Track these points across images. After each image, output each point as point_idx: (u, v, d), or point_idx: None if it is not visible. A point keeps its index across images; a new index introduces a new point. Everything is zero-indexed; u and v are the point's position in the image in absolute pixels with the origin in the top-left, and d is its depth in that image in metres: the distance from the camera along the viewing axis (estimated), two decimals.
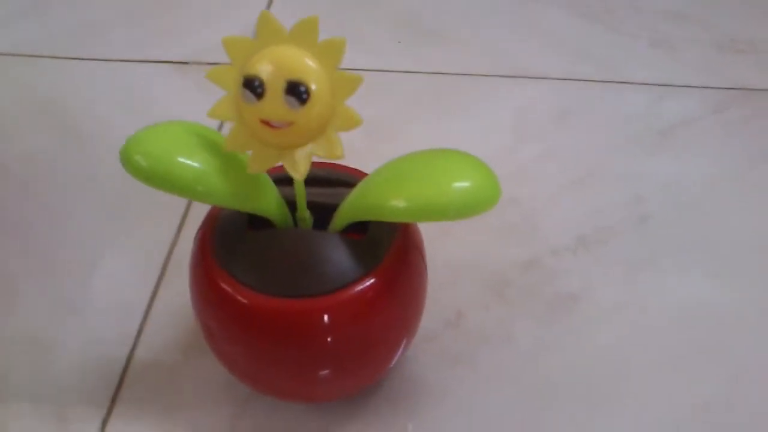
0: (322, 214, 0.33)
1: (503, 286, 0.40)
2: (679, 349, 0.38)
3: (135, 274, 0.42)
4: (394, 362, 0.34)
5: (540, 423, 0.35)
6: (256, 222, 0.33)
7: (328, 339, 0.31)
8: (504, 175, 0.30)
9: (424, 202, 0.29)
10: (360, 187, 0.32)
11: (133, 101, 0.51)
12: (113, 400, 0.37)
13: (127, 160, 0.29)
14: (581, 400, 0.36)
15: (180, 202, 0.45)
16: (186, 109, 0.51)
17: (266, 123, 0.28)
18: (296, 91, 0.27)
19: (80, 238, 0.44)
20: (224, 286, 0.31)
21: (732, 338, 0.38)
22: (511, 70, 0.52)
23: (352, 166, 0.34)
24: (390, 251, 0.32)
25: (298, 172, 0.29)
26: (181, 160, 0.29)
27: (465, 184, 0.29)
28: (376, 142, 0.43)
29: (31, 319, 0.40)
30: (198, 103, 0.50)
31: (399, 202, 0.29)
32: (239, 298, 0.31)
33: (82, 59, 0.54)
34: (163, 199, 0.45)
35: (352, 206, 0.31)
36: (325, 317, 0.31)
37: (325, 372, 0.33)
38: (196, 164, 0.30)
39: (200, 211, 0.44)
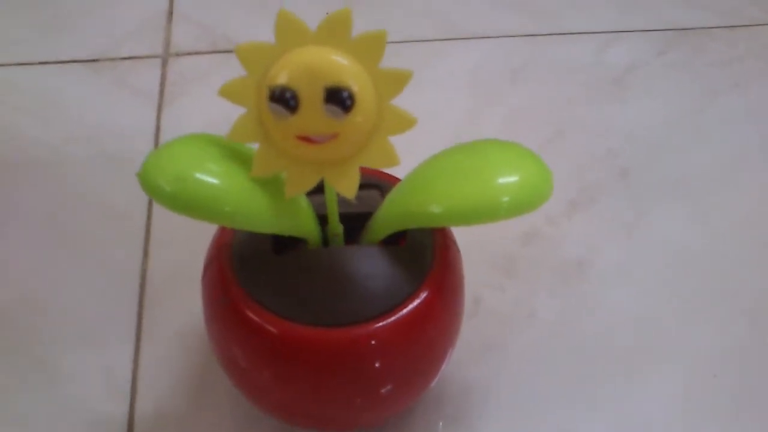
0: (349, 225, 0.29)
1: (511, 263, 0.39)
2: (692, 296, 0.38)
3: (108, 317, 0.36)
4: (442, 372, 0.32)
5: (582, 395, 0.35)
6: (277, 244, 0.29)
7: (379, 364, 0.29)
8: None
9: (473, 205, 0.26)
10: (396, 192, 0.28)
11: (47, 108, 0.45)
12: None
13: (148, 185, 0.25)
14: (616, 363, 0.36)
15: (134, 223, 0.40)
16: (108, 111, 0.45)
17: (305, 138, 0.25)
18: (338, 98, 0.24)
19: (28, 281, 0.38)
20: (262, 321, 0.28)
21: (733, 277, 0.39)
22: (452, 32, 0.49)
23: None
24: (435, 256, 0.29)
25: (350, 188, 0.26)
26: (211, 180, 0.25)
27: (513, 178, 0.27)
28: None
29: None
30: (120, 103, 0.45)
31: (444, 207, 0.27)
32: (282, 334, 0.28)
33: None
34: (108, 220, 0.40)
35: (391, 215, 0.28)
36: (379, 343, 0.28)
37: (374, 398, 0.30)
38: (226, 185, 0.26)
39: (162, 233, 0.40)
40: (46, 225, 0.40)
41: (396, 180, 0.31)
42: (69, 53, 0.47)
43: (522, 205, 0.27)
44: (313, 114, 0.24)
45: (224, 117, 0.44)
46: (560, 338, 0.36)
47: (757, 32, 0.49)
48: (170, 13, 0.49)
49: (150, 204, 0.40)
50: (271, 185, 0.26)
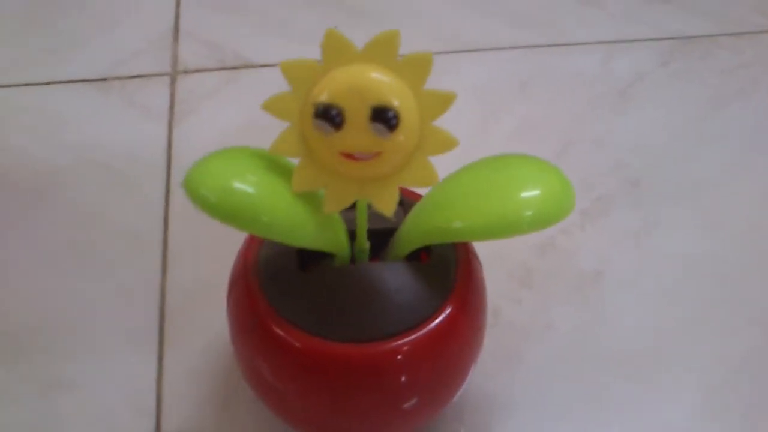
0: (373, 241, 0.30)
1: (527, 275, 0.39)
2: (706, 303, 0.39)
3: (130, 336, 0.36)
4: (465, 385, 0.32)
5: (601, 404, 0.35)
6: (302, 261, 0.29)
7: (405, 379, 0.29)
8: None
9: (496, 219, 0.27)
10: (419, 209, 0.29)
11: (57, 129, 0.44)
12: None
13: (193, 194, 0.25)
14: (634, 372, 0.36)
15: (151, 240, 0.40)
16: (119, 129, 0.46)
17: (348, 155, 0.25)
18: (384, 117, 0.24)
19: (47, 302, 0.38)
20: (290, 338, 0.28)
21: (746, 283, 0.39)
22: (458, 45, 0.50)
23: None
24: (458, 271, 0.30)
25: (389, 206, 0.26)
26: (252, 191, 0.26)
27: (535, 192, 0.27)
28: None
29: (20, 408, 0.34)
30: (130, 121, 0.46)
31: (467, 223, 0.27)
32: (309, 350, 0.28)
33: None
34: (124, 238, 0.40)
35: (415, 232, 0.29)
36: (405, 358, 0.28)
37: (399, 412, 0.30)
38: (265, 196, 0.26)
39: (179, 249, 0.40)
40: (62, 244, 0.40)
41: (418, 196, 0.31)
42: (76, 73, 0.47)
43: (544, 219, 0.27)
44: (358, 132, 0.24)
45: (236, 133, 0.45)
46: (578, 348, 0.37)
47: (762, 39, 0.50)
48: (176, 30, 0.49)
49: (165, 221, 0.40)
50: (310, 200, 0.27)
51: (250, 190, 0.26)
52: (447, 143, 0.25)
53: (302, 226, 0.26)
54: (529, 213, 0.27)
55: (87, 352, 0.36)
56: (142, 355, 0.36)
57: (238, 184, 0.25)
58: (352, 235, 0.29)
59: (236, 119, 0.45)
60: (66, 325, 0.37)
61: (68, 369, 0.36)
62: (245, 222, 0.26)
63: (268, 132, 0.26)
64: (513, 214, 0.27)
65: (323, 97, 0.24)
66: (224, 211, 0.25)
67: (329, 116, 0.24)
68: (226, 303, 0.31)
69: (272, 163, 0.26)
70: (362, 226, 0.28)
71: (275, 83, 0.25)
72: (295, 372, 0.29)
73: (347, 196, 0.26)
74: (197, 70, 0.47)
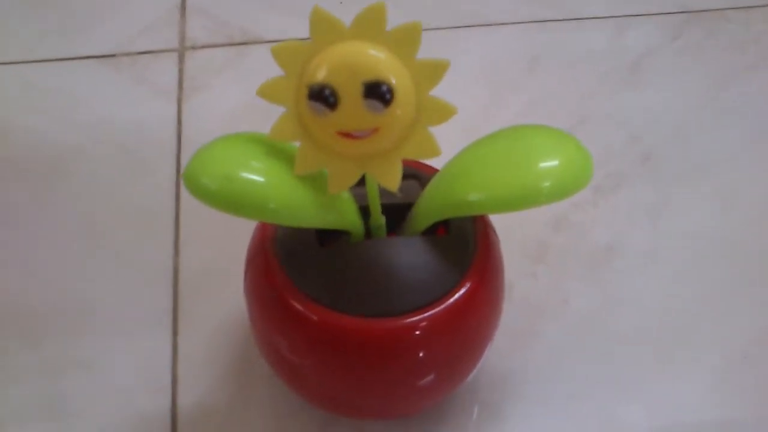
0: (390, 216, 0.29)
1: (542, 251, 0.39)
2: (720, 277, 0.38)
3: (144, 315, 0.37)
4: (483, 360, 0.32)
5: (616, 381, 0.35)
6: (321, 236, 0.29)
7: (423, 354, 0.29)
8: None
9: (514, 191, 0.26)
10: (436, 182, 0.28)
11: (66, 106, 0.44)
12: None
13: (193, 185, 0.25)
14: (651, 348, 0.36)
15: (163, 219, 0.40)
16: (128, 106, 0.45)
17: (345, 134, 0.25)
18: (378, 93, 0.24)
19: (61, 282, 0.38)
20: (308, 312, 0.28)
21: (759, 257, 0.39)
22: (464, 20, 0.49)
23: None
24: (477, 245, 0.29)
25: (393, 181, 0.26)
26: (255, 178, 0.25)
27: (553, 163, 0.27)
28: None
29: (37, 387, 0.35)
30: (139, 98, 0.45)
31: (484, 195, 0.27)
32: (329, 324, 0.28)
33: None
34: (136, 216, 0.40)
35: (432, 206, 0.28)
36: (423, 333, 0.28)
37: (416, 387, 0.30)
38: (269, 182, 0.26)
39: (191, 228, 0.39)
40: (74, 224, 0.40)
41: (433, 170, 0.31)
42: (85, 49, 0.46)
43: (563, 189, 0.26)
44: (353, 109, 0.24)
45: (245, 108, 0.44)
46: (592, 325, 0.37)
47: None
48: (183, 6, 0.49)
49: (177, 199, 0.40)
50: (314, 180, 0.26)
51: (255, 177, 0.25)
52: (446, 112, 0.25)
53: (308, 209, 0.26)
54: (547, 183, 0.26)
55: (102, 331, 0.36)
56: (156, 333, 0.36)
57: (240, 172, 0.25)
58: (366, 212, 0.29)
59: (245, 95, 0.44)
60: (80, 305, 0.37)
61: (84, 349, 0.36)
62: (250, 210, 0.26)
63: (277, 108, 0.26)
64: (532, 185, 0.26)
65: (316, 78, 0.24)
66: (227, 200, 0.25)
67: (323, 97, 0.24)
68: (244, 278, 0.31)
69: (272, 148, 0.26)
70: (375, 202, 0.28)
71: None
72: (313, 346, 0.29)
73: (350, 175, 0.26)
74: (204, 46, 0.47)
